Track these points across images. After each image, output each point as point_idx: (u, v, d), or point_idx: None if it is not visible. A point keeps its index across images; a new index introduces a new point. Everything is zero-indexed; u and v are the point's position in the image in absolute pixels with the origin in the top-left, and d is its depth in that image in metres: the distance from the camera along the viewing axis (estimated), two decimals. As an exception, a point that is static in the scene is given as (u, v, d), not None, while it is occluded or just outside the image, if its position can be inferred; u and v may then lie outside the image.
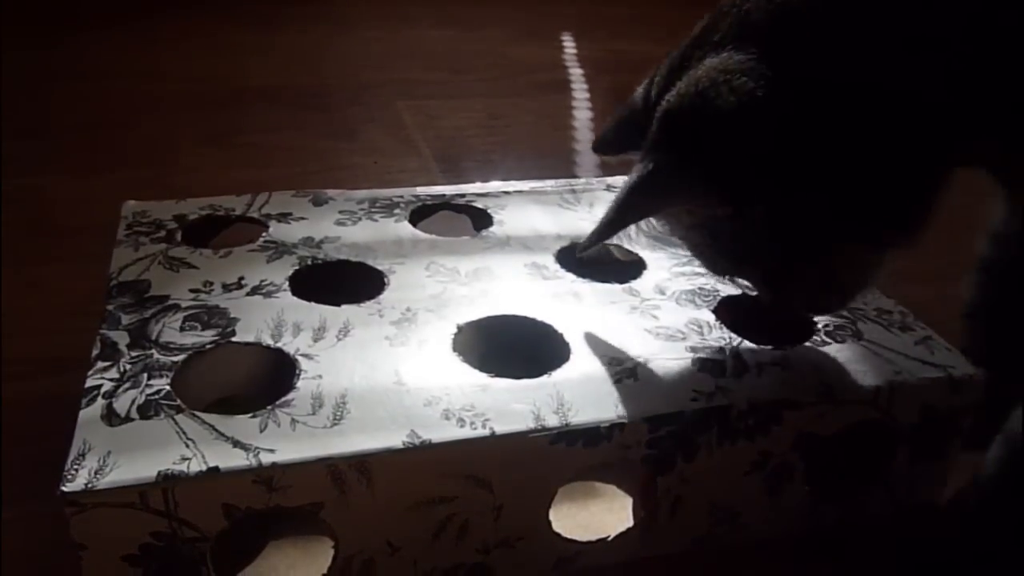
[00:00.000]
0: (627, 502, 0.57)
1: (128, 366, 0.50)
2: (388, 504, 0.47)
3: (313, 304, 0.56)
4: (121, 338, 0.52)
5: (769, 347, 0.56)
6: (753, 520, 0.55)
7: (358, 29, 1.57)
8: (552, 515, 0.51)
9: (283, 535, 0.53)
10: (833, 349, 0.56)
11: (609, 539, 0.53)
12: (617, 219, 0.48)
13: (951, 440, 0.57)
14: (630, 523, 0.53)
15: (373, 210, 0.69)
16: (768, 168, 0.44)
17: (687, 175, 0.46)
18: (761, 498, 0.55)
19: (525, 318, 0.57)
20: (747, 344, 0.56)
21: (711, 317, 0.58)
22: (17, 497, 0.55)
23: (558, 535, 0.52)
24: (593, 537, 0.53)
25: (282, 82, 1.28)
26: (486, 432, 0.47)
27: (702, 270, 0.62)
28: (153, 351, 0.51)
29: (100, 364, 0.50)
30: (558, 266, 0.63)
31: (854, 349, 0.57)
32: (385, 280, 0.60)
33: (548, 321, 0.57)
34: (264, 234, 0.64)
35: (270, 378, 0.52)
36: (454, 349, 0.53)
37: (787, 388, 0.52)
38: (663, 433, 0.50)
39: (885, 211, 0.46)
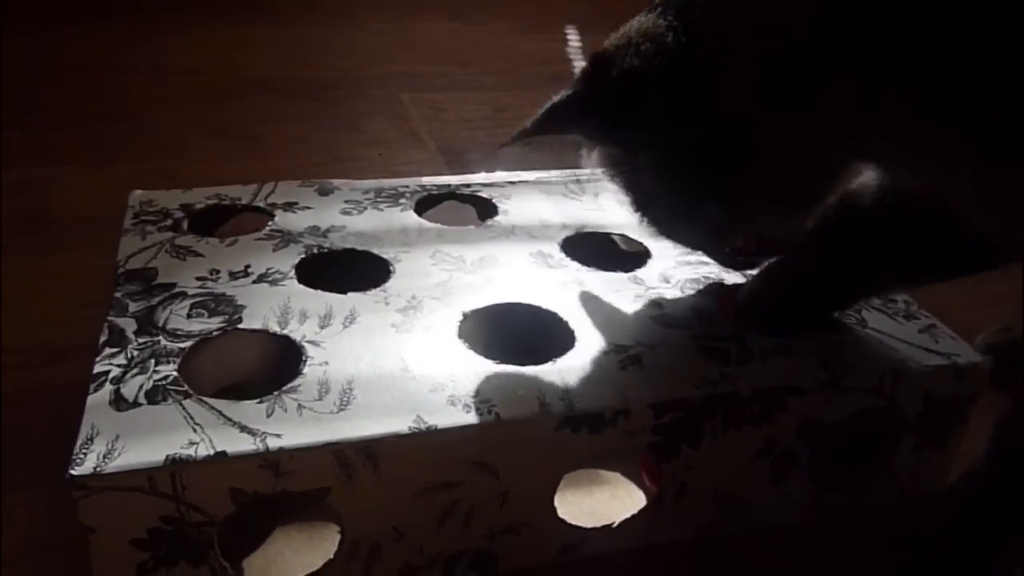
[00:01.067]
0: (632, 489, 0.57)
1: (136, 352, 0.50)
2: (394, 489, 0.47)
3: (319, 292, 0.56)
4: (129, 325, 0.52)
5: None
6: (758, 507, 0.56)
7: (364, 21, 1.57)
8: (557, 502, 0.51)
9: (290, 521, 0.53)
10: (837, 337, 0.56)
11: (614, 526, 0.53)
12: (536, 125, 0.52)
13: (955, 428, 0.57)
14: (635, 510, 0.54)
15: (379, 200, 0.69)
16: (653, 125, 0.49)
17: (590, 111, 0.51)
18: (766, 485, 0.55)
19: (530, 306, 0.57)
20: (752, 335, 0.56)
21: (715, 305, 0.58)
22: (25, 482, 0.55)
23: (563, 521, 0.52)
24: (598, 524, 0.53)
25: (288, 74, 1.28)
26: (491, 418, 0.47)
27: (707, 259, 0.63)
28: (160, 338, 0.51)
29: (108, 350, 0.50)
30: (563, 255, 0.63)
31: (858, 337, 0.57)
32: (391, 268, 0.60)
33: (553, 309, 0.57)
34: (270, 223, 0.65)
35: (277, 365, 0.53)
36: (460, 336, 0.54)
37: (791, 375, 0.53)
38: (668, 420, 0.50)
39: (749, 183, 0.49)
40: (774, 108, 0.46)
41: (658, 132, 0.49)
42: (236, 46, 1.36)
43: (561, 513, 0.52)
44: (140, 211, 0.65)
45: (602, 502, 0.56)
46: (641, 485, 0.57)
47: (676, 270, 0.62)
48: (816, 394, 0.52)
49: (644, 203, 0.54)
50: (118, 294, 0.55)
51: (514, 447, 0.48)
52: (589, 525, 0.53)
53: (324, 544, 0.50)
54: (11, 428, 0.60)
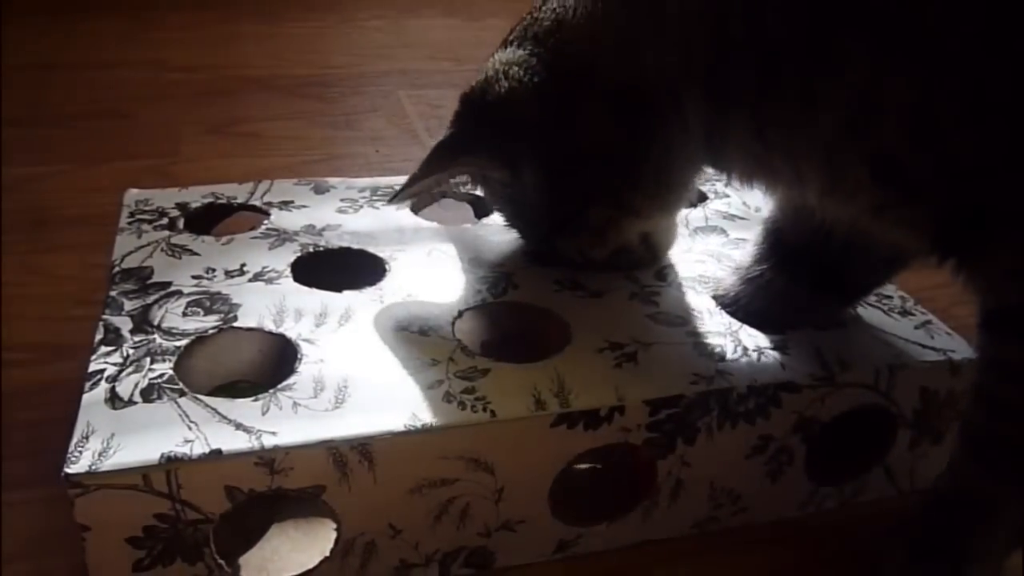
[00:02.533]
0: (627, 486, 0.57)
1: (131, 351, 0.50)
2: (390, 487, 0.47)
3: (315, 290, 0.56)
4: (124, 323, 0.52)
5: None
6: (754, 504, 0.56)
7: (360, 18, 1.57)
8: (553, 498, 0.51)
9: (286, 518, 0.53)
10: (833, 333, 0.56)
11: (610, 522, 0.53)
12: (419, 174, 0.56)
13: (951, 424, 0.58)
14: (631, 507, 0.54)
15: (375, 198, 0.69)
16: (531, 138, 0.54)
17: (477, 139, 0.55)
18: (762, 481, 0.55)
19: (526, 303, 0.57)
20: (747, 328, 0.56)
21: (711, 303, 0.59)
22: (21, 480, 0.56)
23: (559, 518, 0.52)
24: (593, 520, 0.53)
25: (284, 71, 1.28)
26: (487, 416, 0.47)
27: (702, 257, 0.63)
28: (156, 336, 0.51)
29: (103, 349, 0.50)
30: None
31: (854, 333, 0.57)
32: (386, 267, 0.60)
33: (548, 306, 0.57)
34: (266, 222, 0.65)
35: (272, 363, 0.53)
36: (455, 334, 0.54)
37: (787, 371, 0.53)
38: (663, 416, 0.50)
39: (621, 177, 0.54)
40: (631, 121, 0.51)
41: (541, 143, 0.53)
42: (232, 43, 1.36)
43: (557, 510, 0.52)
44: (136, 210, 0.65)
45: (595, 499, 0.56)
46: (635, 482, 0.57)
47: (671, 268, 0.62)
48: (812, 390, 0.53)
49: (524, 216, 0.59)
50: (113, 293, 0.55)
51: (510, 444, 0.48)
52: (584, 521, 0.53)
53: (320, 542, 0.50)
54: (8, 426, 0.60)
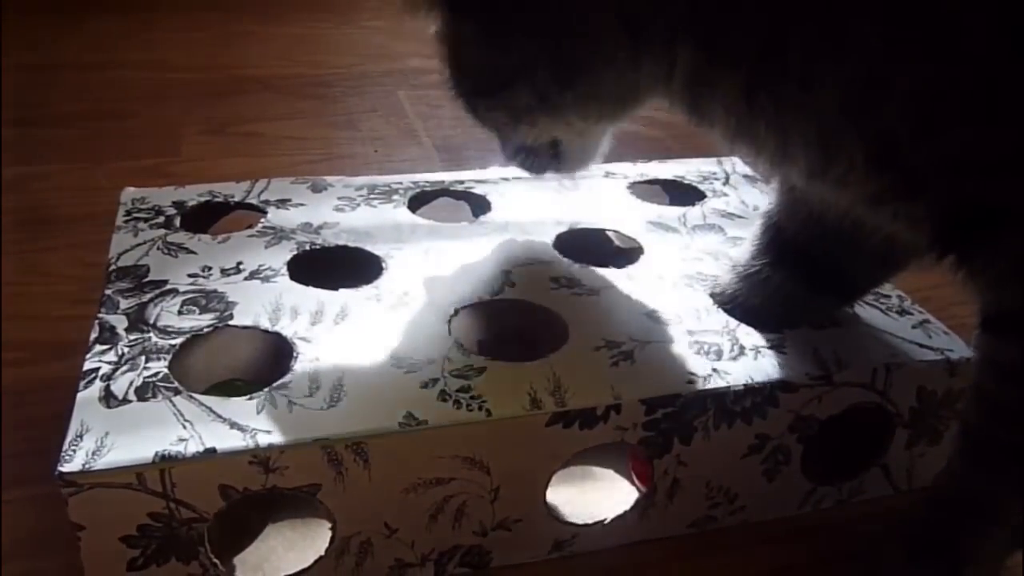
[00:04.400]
0: (623, 485, 0.57)
1: (126, 349, 0.50)
2: (385, 485, 0.47)
3: (311, 288, 0.56)
4: (119, 322, 0.52)
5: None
6: (750, 503, 0.55)
7: (361, 18, 1.57)
8: (549, 497, 0.51)
9: (281, 518, 0.53)
10: (830, 332, 0.56)
11: (606, 522, 0.53)
12: None
13: (949, 424, 0.57)
14: (626, 506, 0.54)
15: (372, 196, 0.69)
16: None
17: None
18: (758, 480, 0.55)
19: (522, 301, 0.57)
20: (744, 327, 0.56)
21: (708, 301, 0.58)
22: (17, 479, 0.55)
23: (555, 517, 0.52)
24: (590, 520, 0.53)
25: (284, 71, 1.28)
26: (482, 414, 0.47)
27: (700, 255, 0.63)
28: (151, 334, 0.51)
29: (98, 347, 0.50)
30: (556, 251, 0.63)
31: (851, 332, 0.57)
32: (383, 265, 0.60)
33: (545, 304, 0.57)
34: (263, 220, 0.65)
35: (268, 361, 0.53)
36: (451, 332, 0.54)
37: (783, 370, 0.52)
38: (659, 415, 0.50)
39: (556, 70, 0.49)
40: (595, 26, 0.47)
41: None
42: (233, 43, 1.36)
43: (553, 509, 0.52)
44: (132, 208, 0.65)
45: (594, 498, 0.56)
46: (631, 482, 0.57)
47: (669, 266, 0.62)
48: (809, 389, 0.52)
49: (461, 77, 0.54)
50: (109, 291, 0.55)
51: (505, 443, 0.48)
52: (581, 521, 0.53)
53: (315, 541, 0.50)
54: (4, 424, 0.60)
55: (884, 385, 0.54)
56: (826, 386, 0.53)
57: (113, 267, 0.58)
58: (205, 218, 0.66)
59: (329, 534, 0.48)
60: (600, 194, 0.72)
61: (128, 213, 0.64)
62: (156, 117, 1.12)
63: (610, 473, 0.58)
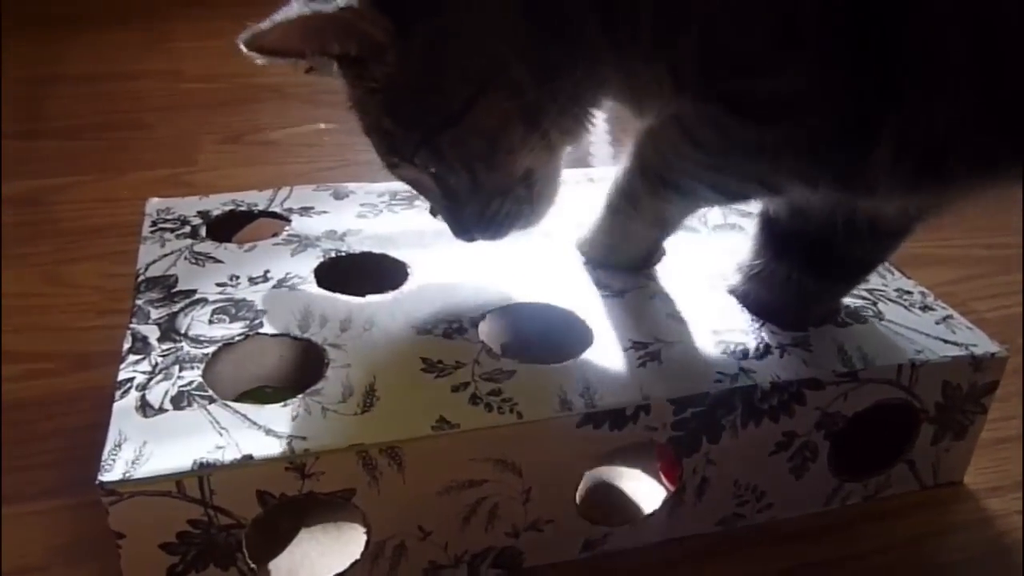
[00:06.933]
0: (652, 485, 0.57)
1: (160, 359, 0.51)
2: (419, 489, 0.47)
3: (339, 296, 0.57)
4: (151, 332, 0.53)
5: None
6: (778, 500, 0.56)
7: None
8: (579, 498, 0.52)
9: (316, 522, 0.53)
10: (855, 329, 0.57)
11: (636, 522, 0.54)
12: (284, 22, 0.50)
13: (974, 419, 0.58)
14: (656, 505, 0.54)
15: (394, 203, 0.70)
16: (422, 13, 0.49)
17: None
18: (786, 478, 0.55)
19: (548, 305, 0.58)
20: (768, 326, 0.56)
21: (732, 300, 0.59)
22: (52, 490, 0.56)
23: (586, 517, 0.52)
24: (620, 520, 0.53)
25: (297, 79, 1.28)
26: (513, 417, 0.48)
27: (722, 255, 0.63)
28: (183, 344, 0.52)
29: (132, 357, 0.51)
30: (578, 254, 0.64)
31: (875, 329, 0.57)
32: (408, 271, 0.60)
33: (570, 307, 0.57)
34: (287, 228, 0.65)
35: (299, 368, 0.53)
36: (479, 336, 0.54)
37: (809, 368, 0.53)
38: (688, 415, 0.50)
39: (531, 67, 0.50)
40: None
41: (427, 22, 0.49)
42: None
43: (583, 509, 0.52)
44: (158, 219, 0.66)
45: (623, 498, 0.56)
46: (659, 482, 0.57)
47: (691, 267, 0.62)
48: (835, 386, 0.53)
49: (407, 106, 0.52)
50: (139, 301, 0.56)
51: (537, 445, 0.48)
52: (611, 522, 0.53)
53: (349, 545, 0.50)
54: (34, 435, 0.61)
55: (910, 381, 0.54)
56: (852, 383, 0.53)
57: (142, 277, 0.58)
58: (230, 227, 0.67)
59: (363, 539, 0.49)
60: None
61: (154, 224, 0.65)
62: (173, 127, 1.13)
63: (638, 473, 0.58)
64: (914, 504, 0.59)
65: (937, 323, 0.58)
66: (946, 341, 0.56)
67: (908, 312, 0.59)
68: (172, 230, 0.64)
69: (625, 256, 0.61)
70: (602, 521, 0.53)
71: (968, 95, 0.44)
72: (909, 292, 0.61)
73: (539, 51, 0.50)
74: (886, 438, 0.57)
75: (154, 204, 0.68)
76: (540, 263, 0.62)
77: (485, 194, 0.55)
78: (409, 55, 0.50)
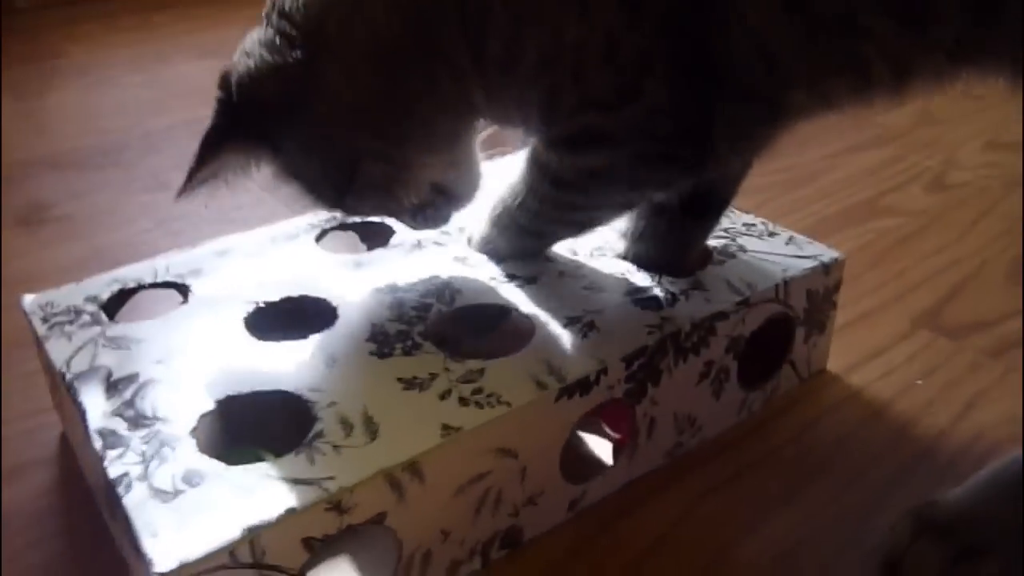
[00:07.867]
0: (600, 439, 0.64)
1: (144, 446, 0.50)
2: (438, 495, 0.51)
3: (283, 343, 0.58)
4: (116, 424, 0.52)
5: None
6: (706, 422, 0.65)
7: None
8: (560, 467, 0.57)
9: (333, 558, 0.55)
10: (730, 264, 0.67)
11: (605, 473, 0.60)
12: (196, 164, 0.57)
13: (829, 314, 0.70)
14: (613, 455, 0.61)
15: (276, 245, 0.70)
16: (284, 116, 0.56)
17: (233, 126, 0.57)
18: (709, 401, 0.64)
19: (479, 304, 0.62)
20: (666, 277, 0.65)
21: (626, 264, 0.67)
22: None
23: (567, 480, 0.58)
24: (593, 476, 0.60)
25: (64, 145, 1.21)
26: (504, 407, 0.52)
27: (599, 228, 0.71)
28: (157, 426, 0.51)
29: (111, 453, 0.50)
30: (478, 256, 0.68)
31: (745, 260, 0.67)
32: (334, 304, 0.62)
33: (497, 300, 0.62)
34: (191, 293, 0.64)
35: (284, 418, 0.54)
36: (436, 345, 0.58)
37: (712, 304, 0.62)
38: (636, 367, 0.58)
39: (384, 134, 0.57)
40: (382, 82, 0.55)
41: (292, 119, 0.56)
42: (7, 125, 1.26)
43: (565, 475, 0.58)
44: (46, 315, 0.62)
45: (590, 456, 0.63)
46: (603, 434, 0.64)
47: (578, 243, 0.69)
48: (735, 314, 0.62)
49: (312, 187, 0.60)
50: (83, 399, 0.54)
51: (528, 426, 0.54)
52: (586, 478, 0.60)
53: (381, 567, 0.52)
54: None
55: (785, 295, 0.65)
56: (746, 308, 0.63)
57: (70, 375, 0.56)
58: (124, 305, 0.65)
59: (395, 554, 0.51)
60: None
61: (44, 320, 0.62)
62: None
63: (590, 434, 0.65)
64: (797, 397, 0.70)
65: (787, 244, 0.69)
66: (800, 257, 0.67)
67: (760, 240, 0.70)
68: (70, 322, 0.61)
69: (522, 253, 0.67)
70: (579, 481, 0.59)
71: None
72: (753, 224, 0.72)
73: (392, 115, 0.57)
74: (775, 346, 0.68)
75: (31, 300, 0.64)
76: (453, 271, 0.66)
77: (409, 212, 0.63)
78: (289, 163, 0.59)
